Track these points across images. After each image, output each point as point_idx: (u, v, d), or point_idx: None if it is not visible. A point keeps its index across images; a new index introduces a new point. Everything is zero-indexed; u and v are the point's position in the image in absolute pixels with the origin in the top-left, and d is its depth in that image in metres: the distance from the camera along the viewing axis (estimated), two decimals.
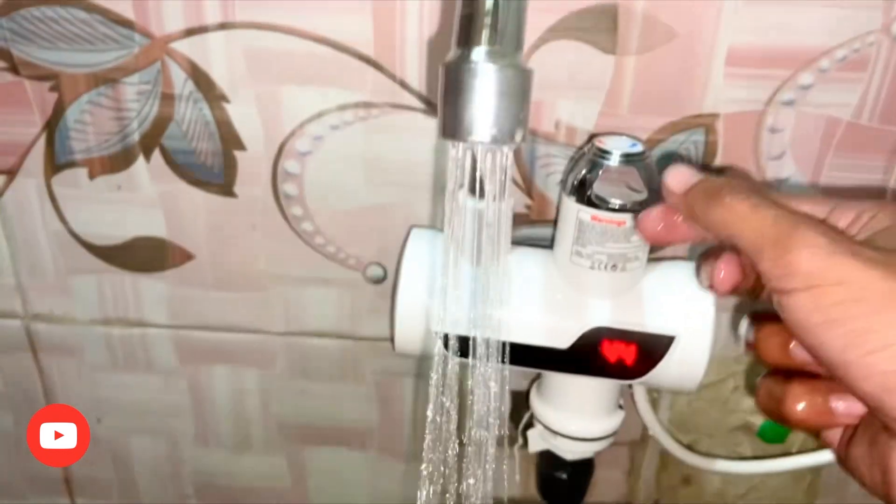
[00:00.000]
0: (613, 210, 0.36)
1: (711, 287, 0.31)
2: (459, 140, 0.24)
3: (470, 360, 0.35)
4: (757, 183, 0.43)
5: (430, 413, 0.34)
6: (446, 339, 0.38)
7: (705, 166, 0.43)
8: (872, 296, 0.24)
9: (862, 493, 0.54)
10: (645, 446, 0.54)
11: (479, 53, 0.25)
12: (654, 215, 0.33)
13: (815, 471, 0.53)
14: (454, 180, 0.27)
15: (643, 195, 0.36)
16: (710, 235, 0.30)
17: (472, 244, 0.32)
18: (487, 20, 0.24)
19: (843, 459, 0.30)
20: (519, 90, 0.24)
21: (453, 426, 0.36)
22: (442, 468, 0.36)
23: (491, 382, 0.33)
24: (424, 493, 0.35)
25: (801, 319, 0.25)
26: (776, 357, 0.29)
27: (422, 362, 0.51)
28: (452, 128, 0.24)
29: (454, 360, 0.34)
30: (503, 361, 0.35)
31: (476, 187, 0.37)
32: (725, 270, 0.31)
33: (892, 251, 0.25)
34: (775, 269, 0.25)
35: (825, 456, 0.47)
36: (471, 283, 0.36)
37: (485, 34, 0.24)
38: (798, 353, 0.28)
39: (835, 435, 0.31)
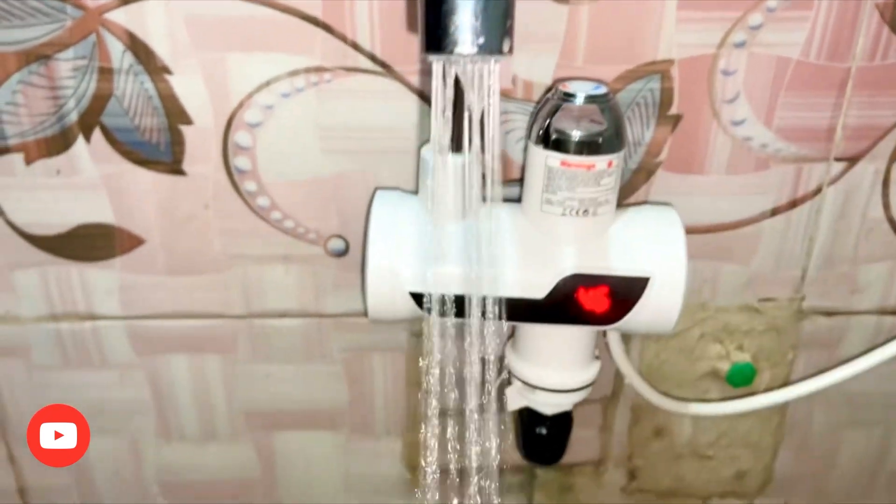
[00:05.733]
0: (581, 153, 0.35)
1: None
2: (443, 52, 0.23)
3: (451, 318, 0.34)
4: None
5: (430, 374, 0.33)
6: (421, 299, 0.38)
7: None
8: None
9: (824, 432, 0.56)
10: (616, 402, 0.54)
11: None
12: None
13: (782, 412, 0.55)
14: (439, 107, 0.25)
15: (608, 130, 0.35)
16: None
17: (454, 199, 0.31)
18: None
19: None
20: None
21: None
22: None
23: (485, 338, 0.32)
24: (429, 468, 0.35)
25: None
26: None
27: (390, 335, 0.51)
28: (435, 40, 0.23)
29: (442, 321, 0.33)
30: (496, 317, 0.35)
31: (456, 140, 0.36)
32: None
33: None
34: None
35: (795, 391, 0.48)
36: (447, 239, 0.36)
37: None
38: None
39: None
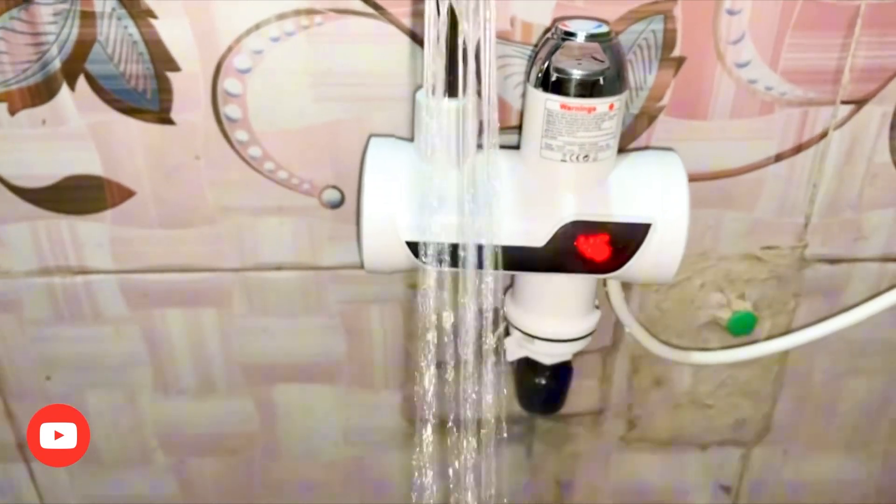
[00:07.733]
0: (582, 96, 0.34)
1: None
2: None
3: (449, 267, 0.33)
4: None
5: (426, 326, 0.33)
6: (419, 248, 0.37)
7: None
8: None
9: (825, 380, 0.56)
10: (616, 352, 0.54)
11: None
12: None
13: (782, 360, 0.54)
14: (432, 38, 0.24)
15: (610, 69, 0.34)
16: None
17: (450, 144, 0.30)
18: None
19: None
20: None
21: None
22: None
23: (483, 286, 0.32)
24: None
25: None
26: None
27: (387, 288, 0.50)
28: None
29: (437, 271, 0.32)
30: (493, 267, 0.34)
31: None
32: None
33: None
34: None
35: (797, 338, 0.47)
36: (443, 187, 0.35)
37: None
38: None
39: None
